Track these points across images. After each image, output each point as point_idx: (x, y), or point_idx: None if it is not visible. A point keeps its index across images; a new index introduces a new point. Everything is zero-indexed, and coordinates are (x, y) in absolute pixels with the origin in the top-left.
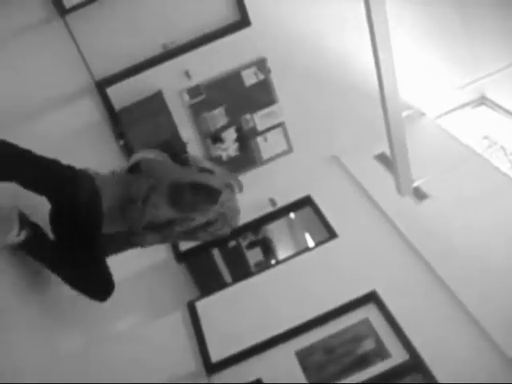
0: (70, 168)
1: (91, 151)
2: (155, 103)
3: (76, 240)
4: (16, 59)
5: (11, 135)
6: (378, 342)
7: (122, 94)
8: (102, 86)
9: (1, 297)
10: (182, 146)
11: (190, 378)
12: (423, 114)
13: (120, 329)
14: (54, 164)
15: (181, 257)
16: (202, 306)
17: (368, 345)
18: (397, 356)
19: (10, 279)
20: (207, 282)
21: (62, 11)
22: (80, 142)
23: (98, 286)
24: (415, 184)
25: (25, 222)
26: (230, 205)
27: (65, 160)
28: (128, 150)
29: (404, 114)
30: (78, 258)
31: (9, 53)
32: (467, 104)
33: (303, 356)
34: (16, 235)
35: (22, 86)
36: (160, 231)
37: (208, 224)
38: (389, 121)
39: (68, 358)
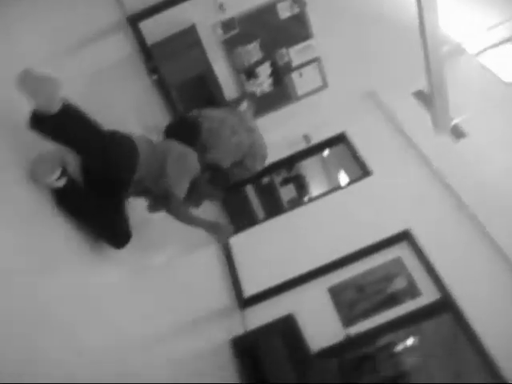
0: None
1: (124, 86)
2: (188, 38)
3: (105, 193)
4: None
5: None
6: (410, 280)
7: (155, 29)
8: (134, 20)
9: (45, 230)
10: (216, 82)
11: (224, 313)
12: (464, 50)
13: (155, 263)
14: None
15: None
16: (235, 242)
17: (399, 283)
18: (428, 295)
19: (55, 214)
20: (241, 218)
21: None
22: (113, 77)
23: (119, 236)
24: (453, 122)
25: (66, 170)
26: (257, 143)
27: (99, 95)
28: (161, 85)
29: (444, 48)
30: (104, 209)
31: None
32: (509, 40)
33: (335, 293)
34: (56, 179)
35: (55, 23)
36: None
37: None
38: (428, 55)
39: (106, 289)
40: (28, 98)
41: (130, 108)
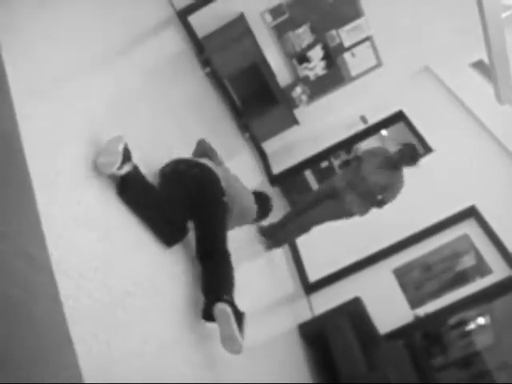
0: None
1: (179, 80)
2: (238, 27)
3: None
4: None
5: (108, 74)
6: (478, 258)
7: (204, 22)
8: (183, 14)
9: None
10: (269, 69)
11: (291, 299)
12: None
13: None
14: None
15: (274, 180)
16: None
17: (467, 261)
18: (498, 272)
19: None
20: None
21: None
22: (168, 71)
23: (171, 234)
24: None
25: (128, 157)
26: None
27: (155, 90)
28: (214, 77)
29: (504, 14)
30: (165, 202)
31: None
32: None
33: (401, 274)
34: (118, 168)
35: (110, 26)
36: None
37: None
38: (486, 24)
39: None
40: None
41: (186, 101)
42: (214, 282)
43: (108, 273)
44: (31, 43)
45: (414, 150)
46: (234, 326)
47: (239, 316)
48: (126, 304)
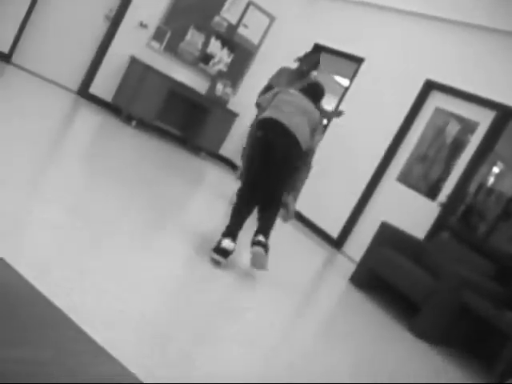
0: None
1: (114, 145)
2: (136, 69)
3: None
4: None
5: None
6: (460, 119)
7: (105, 84)
8: (83, 90)
9: None
10: (185, 87)
11: (327, 262)
12: None
13: None
14: None
15: None
16: None
17: (453, 129)
18: (484, 120)
19: None
20: None
21: None
22: (99, 143)
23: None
24: None
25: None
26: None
27: (95, 167)
28: (143, 123)
29: None
30: None
31: None
32: None
33: (405, 177)
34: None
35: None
36: None
37: None
38: None
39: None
40: None
41: (130, 164)
42: (264, 227)
43: None
44: None
45: (313, 55)
46: (265, 263)
47: (267, 250)
48: None
